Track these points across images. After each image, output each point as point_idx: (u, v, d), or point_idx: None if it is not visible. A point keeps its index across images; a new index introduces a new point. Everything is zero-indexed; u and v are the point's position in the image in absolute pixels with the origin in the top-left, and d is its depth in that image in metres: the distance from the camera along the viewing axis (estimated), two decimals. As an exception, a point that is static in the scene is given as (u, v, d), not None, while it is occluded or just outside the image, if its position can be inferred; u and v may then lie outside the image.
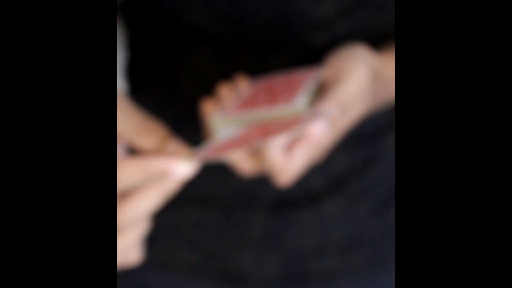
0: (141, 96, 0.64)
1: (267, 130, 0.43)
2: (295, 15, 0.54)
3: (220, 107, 0.46)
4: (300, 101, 0.43)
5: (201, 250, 0.64)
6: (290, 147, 0.44)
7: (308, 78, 0.46)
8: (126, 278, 0.68)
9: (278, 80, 0.48)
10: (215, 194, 0.61)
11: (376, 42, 0.58)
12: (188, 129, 0.60)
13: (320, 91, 0.47)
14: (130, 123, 0.39)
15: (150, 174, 0.39)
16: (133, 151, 0.49)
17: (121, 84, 0.67)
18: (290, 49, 0.55)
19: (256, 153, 0.44)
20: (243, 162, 0.47)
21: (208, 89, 0.58)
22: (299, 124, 0.42)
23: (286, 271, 0.64)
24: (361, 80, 0.45)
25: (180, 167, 0.39)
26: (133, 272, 0.68)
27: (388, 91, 0.52)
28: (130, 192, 0.40)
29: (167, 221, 0.65)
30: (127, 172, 0.39)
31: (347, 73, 0.44)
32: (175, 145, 0.40)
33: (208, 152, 0.43)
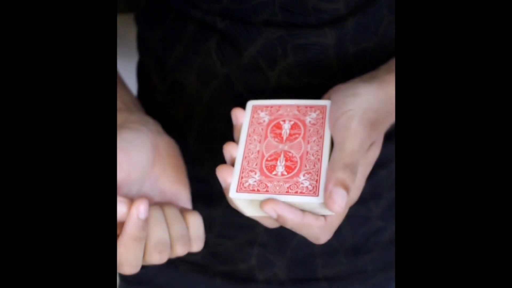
0: (148, 92, 0.64)
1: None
2: (306, 10, 0.54)
3: (240, 181, 0.47)
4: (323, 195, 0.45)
5: (206, 249, 0.64)
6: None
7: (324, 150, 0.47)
8: (131, 275, 0.68)
9: (290, 129, 0.49)
10: (223, 192, 0.61)
11: (388, 46, 0.57)
12: (190, 126, 0.60)
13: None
14: None
15: None
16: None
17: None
18: (299, 47, 0.55)
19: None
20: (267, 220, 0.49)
21: (211, 86, 0.58)
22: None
23: (293, 274, 0.63)
24: (360, 136, 0.46)
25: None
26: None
27: None
28: None
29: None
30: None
31: (345, 135, 0.46)
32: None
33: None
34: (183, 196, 0.53)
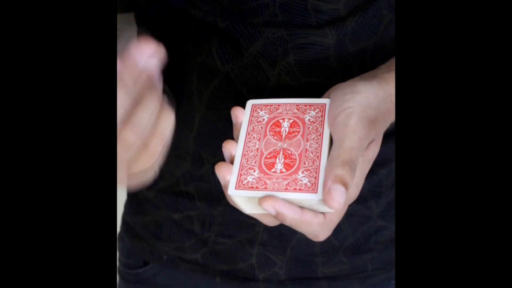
0: None
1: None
2: (306, 10, 0.54)
3: (238, 178, 0.47)
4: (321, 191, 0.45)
5: (206, 248, 0.64)
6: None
7: (323, 146, 0.47)
8: (130, 274, 0.68)
9: (289, 127, 0.49)
10: (223, 191, 0.61)
11: (388, 46, 0.57)
12: (190, 125, 0.60)
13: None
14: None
15: None
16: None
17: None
18: (299, 47, 0.55)
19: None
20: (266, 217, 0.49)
21: (211, 85, 0.58)
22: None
23: (293, 273, 0.63)
24: (359, 133, 0.46)
25: None
26: (138, 269, 0.68)
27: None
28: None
29: (173, 217, 0.65)
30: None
31: (344, 132, 0.46)
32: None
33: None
34: None
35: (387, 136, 0.60)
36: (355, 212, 0.61)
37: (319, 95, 0.51)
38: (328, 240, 0.62)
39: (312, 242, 0.62)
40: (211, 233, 0.63)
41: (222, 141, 0.49)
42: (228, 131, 0.54)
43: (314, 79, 0.56)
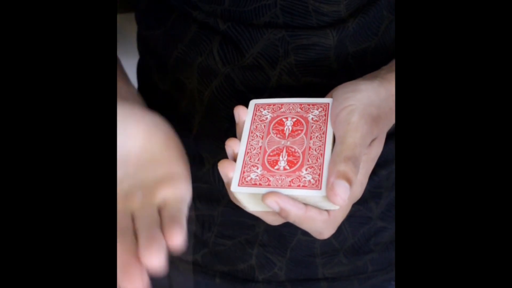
0: (148, 91, 0.64)
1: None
2: (307, 12, 0.54)
3: (242, 175, 0.47)
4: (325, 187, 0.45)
5: (206, 249, 0.64)
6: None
7: (326, 145, 0.48)
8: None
9: (292, 126, 0.50)
10: (223, 191, 0.61)
11: (388, 46, 0.57)
12: (190, 125, 0.60)
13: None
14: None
15: None
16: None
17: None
18: (300, 47, 0.55)
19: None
20: (269, 215, 0.48)
21: (212, 85, 0.58)
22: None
23: (293, 274, 0.63)
24: (361, 130, 0.45)
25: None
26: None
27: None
28: None
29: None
30: None
31: (346, 129, 0.46)
32: None
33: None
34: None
35: (387, 137, 0.60)
36: (355, 213, 0.61)
37: (319, 95, 0.51)
38: (328, 241, 0.62)
39: (312, 243, 0.62)
40: (211, 234, 0.63)
41: (223, 141, 0.49)
42: (228, 131, 0.54)
43: (314, 79, 0.56)
